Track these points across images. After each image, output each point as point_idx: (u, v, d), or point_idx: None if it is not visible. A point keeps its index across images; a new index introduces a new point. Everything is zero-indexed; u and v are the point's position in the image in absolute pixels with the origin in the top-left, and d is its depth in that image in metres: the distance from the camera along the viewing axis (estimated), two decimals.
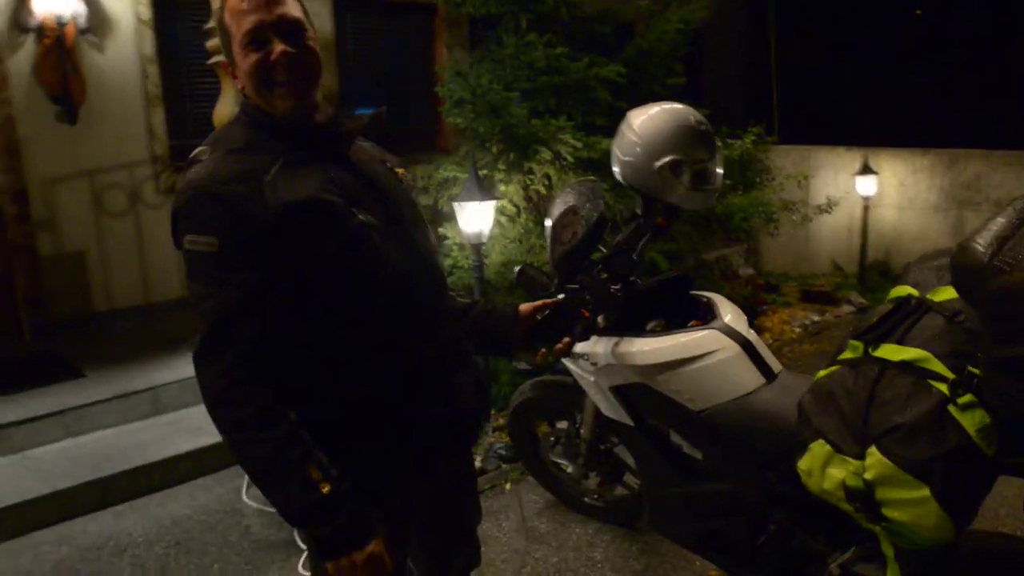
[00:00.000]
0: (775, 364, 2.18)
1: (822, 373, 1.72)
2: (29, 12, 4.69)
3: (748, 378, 2.10)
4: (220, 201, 1.34)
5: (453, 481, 1.68)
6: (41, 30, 4.73)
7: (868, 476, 1.52)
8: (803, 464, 1.67)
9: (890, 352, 1.57)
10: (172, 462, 3.55)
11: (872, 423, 1.53)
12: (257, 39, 1.39)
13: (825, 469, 1.61)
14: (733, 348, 2.12)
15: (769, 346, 5.21)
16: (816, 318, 6.09)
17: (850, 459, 1.56)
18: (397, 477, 1.50)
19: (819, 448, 1.62)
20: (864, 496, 1.54)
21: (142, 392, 3.94)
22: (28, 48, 4.74)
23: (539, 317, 1.78)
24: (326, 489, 1.31)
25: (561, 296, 1.96)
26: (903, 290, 1.69)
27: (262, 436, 1.31)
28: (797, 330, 5.83)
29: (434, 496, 1.62)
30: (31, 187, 4.82)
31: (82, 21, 4.86)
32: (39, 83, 4.79)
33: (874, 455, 1.51)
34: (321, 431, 1.37)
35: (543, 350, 1.77)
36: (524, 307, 1.78)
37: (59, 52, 4.77)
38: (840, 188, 7.21)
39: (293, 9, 1.43)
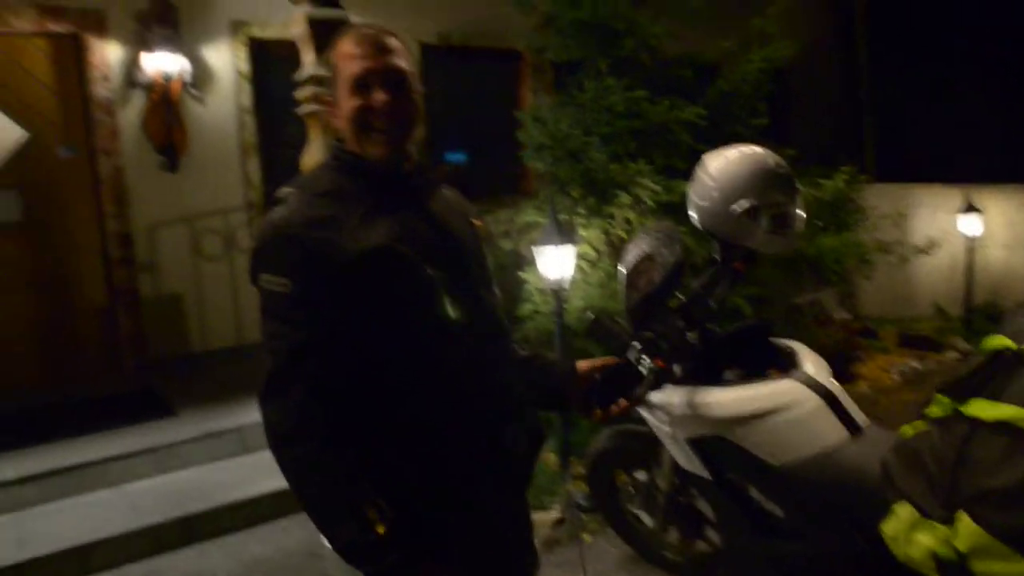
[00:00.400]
0: (861, 417, 2.07)
1: (906, 429, 1.61)
2: (140, 70, 5.02)
3: (831, 432, 2.00)
4: (298, 244, 1.38)
5: (503, 528, 1.65)
6: (150, 86, 5.05)
7: (959, 545, 1.40)
8: (887, 527, 1.56)
9: (982, 409, 1.45)
10: (255, 502, 3.62)
11: (961, 486, 1.42)
12: (362, 84, 1.43)
13: (911, 534, 1.50)
14: (814, 400, 2.02)
15: (865, 395, 4.94)
16: (916, 365, 5.78)
17: (938, 524, 1.45)
18: (444, 520, 1.49)
19: (904, 511, 1.52)
20: (957, 567, 1.42)
21: (229, 432, 4.06)
22: (137, 103, 5.07)
23: (597, 377, 1.74)
24: (381, 530, 1.34)
25: (625, 357, 1.92)
26: (999, 340, 1.57)
27: (324, 474, 1.36)
28: (895, 377, 5.55)
29: (483, 541, 1.60)
30: (135, 232, 5.12)
31: (187, 76, 5.16)
32: (146, 135, 5.10)
33: (964, 521, 1.39)
34: (373, 471, 1.40)
35: (598, 412, 1.73)
36: (582, 365, 1.75)
37: (165, 106, 5.08)
38: (940, 227, 6.88)
39: (402, 61, 1.47)
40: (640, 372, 1.82)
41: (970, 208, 6.55)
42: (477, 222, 1.67)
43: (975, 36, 7.80)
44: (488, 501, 1.56)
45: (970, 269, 6.66)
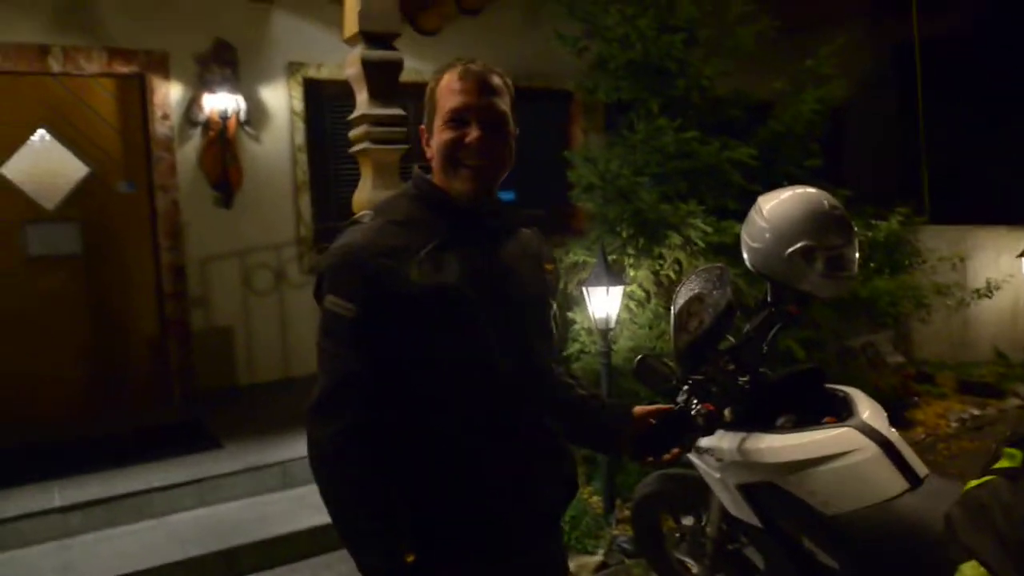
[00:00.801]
0: (921, 468, 1.97)
1: (973, 483, 1.53)
2: (199, 108, 5.17)
3: (889, 482, 1.91)
4: (367, 271, 1.39)
5: (532, 568, 1.61)
6: (207, 124, 5.19)
7: None
8: None
9: None
10: (295, 537, 3.60)
11: None
12: (458, 119, 1.44)
13: None
14: (871, 448, 1.94)
15: (922, 441, 4.77)
16: (976, 412, 5.58)
17: None
18: (471, 555, 1.48)
19: (972, 571, 1.43)
20: None
21: (273, 466, 4.06)
22: (195, 141, 5.21)
23: (652, 422, 1.71)
24: (411, 559, 1.36)
25: (677, 405, 1.88)
26: None
27: (360, 495, 1.38)
28: (954, 424, 5.36)
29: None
30: (188, 266, 5.22)
31: (243, 115, 5.29)
32: (202, 171, 5.23)
33: None
34: (404, 502, 1.42)
35: (649, 459, 1.70)
36: (639, 410, 1.74)
37: (221, 143, 5.21)
38: (1002, 270, 6.66)
39: (502, 103, 1.48)
40: (694, 421, 1.79)
41: None
42: (549, 267, 1.66)
43: None
44: (516, 542, 1.54)
45: None
